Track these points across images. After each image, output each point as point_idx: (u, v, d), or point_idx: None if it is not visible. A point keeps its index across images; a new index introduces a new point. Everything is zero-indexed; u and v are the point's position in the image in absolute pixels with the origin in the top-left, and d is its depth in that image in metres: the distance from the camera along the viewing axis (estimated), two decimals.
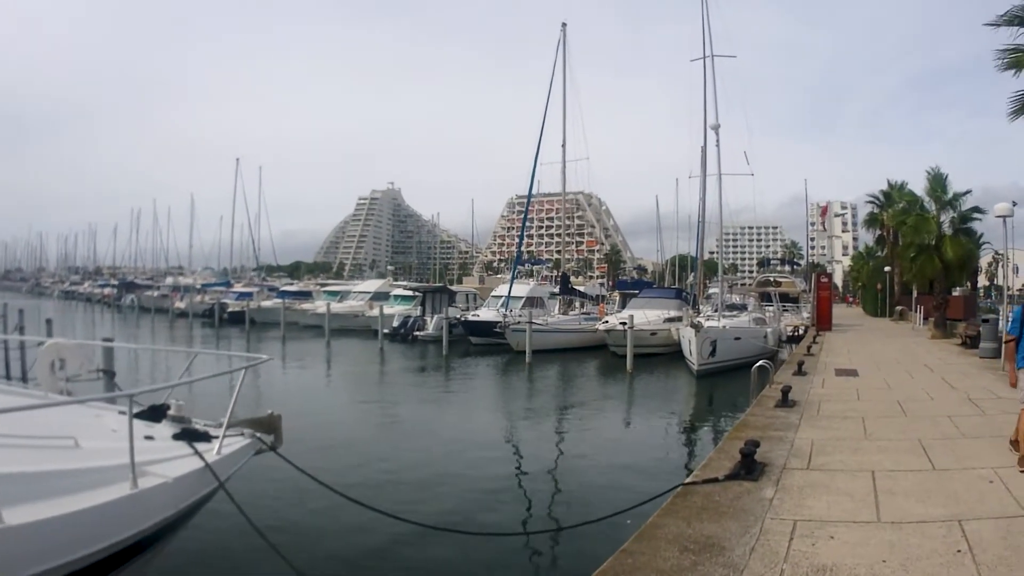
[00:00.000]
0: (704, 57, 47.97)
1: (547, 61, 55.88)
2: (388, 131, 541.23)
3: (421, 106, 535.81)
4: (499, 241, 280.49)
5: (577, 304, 60.96)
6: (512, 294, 55.62)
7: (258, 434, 10.44)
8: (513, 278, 60.33)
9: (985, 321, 30.50)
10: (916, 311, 54.41)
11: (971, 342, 33.18)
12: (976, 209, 41.80)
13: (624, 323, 41.96)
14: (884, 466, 11.26)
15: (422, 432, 24.20)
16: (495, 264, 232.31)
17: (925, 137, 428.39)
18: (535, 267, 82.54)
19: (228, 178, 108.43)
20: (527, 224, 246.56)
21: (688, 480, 10.56)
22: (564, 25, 57.99)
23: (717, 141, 47.11)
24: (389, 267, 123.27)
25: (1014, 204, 27.16)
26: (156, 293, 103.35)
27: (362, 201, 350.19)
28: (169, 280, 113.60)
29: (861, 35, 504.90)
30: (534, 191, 58.71)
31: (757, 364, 20.28)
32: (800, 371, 23.78)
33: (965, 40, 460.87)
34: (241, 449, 9.90)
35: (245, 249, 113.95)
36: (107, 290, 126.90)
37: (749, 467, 10.70)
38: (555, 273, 68.97)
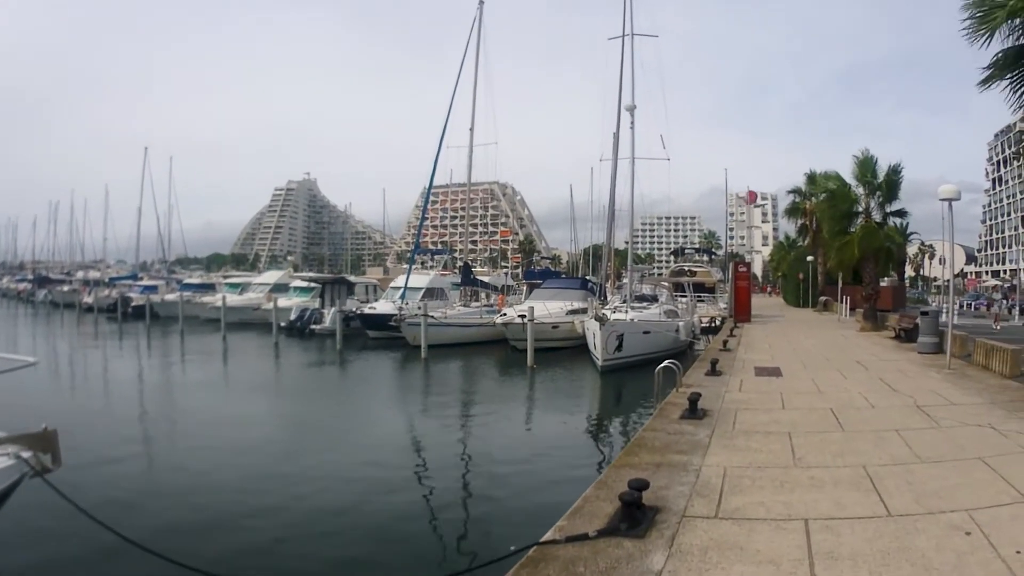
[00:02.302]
0: (624, 35, 46.12)
1: (464, 49, 52.99)
2: (306, 121, 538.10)
3: (339, 95, 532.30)
4: (413, 231, 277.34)
5: (483, 295, 58.68)
6: (411, 285, 53.69)
7: (24, 454, 8.76)
8: (410, 269, 58.27)
9: (925, 313, 27.74)
10: (842, 302, 52.31)
11: (906, 335, 30.71)
12: (894, 172, 39.17)
13: (523, 316, 39.48)
14: (821, 510, 8.15)
15: (283, 446, 21.05)
16: (408, 254, 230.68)
17: (849, 131, 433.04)
18: (436, 257, 79.67)
19: (151, 170, 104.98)
20: (441, 214, 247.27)
21: (545, 538, 7.32)
22: (481, 2, 55.48)
23: (632, 123, 45.04)
24: (288, 257, 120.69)
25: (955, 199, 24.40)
26: (68, 288, 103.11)
27: (278, 192, 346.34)
28: (80, 274, 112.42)
29: (786, 29, 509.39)
30: (448, 180, 56.81)
31: (662, 364, 16.96)
32: (714, 371, 20.64)
33: (891, 36, 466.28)
34: None
35: (162, 241, 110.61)
36: (22, 285, 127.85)
37: (633, 518, 7.52)
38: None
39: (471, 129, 54.59)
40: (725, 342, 30.14)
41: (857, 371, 21.60)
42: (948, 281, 37.78)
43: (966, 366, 22.28)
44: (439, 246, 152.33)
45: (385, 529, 13.56)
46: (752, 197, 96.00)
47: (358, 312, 52.43)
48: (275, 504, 14.90)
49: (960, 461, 10.26)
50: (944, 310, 33.98)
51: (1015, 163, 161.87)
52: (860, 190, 39.38)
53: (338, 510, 14.62)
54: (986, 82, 19.78)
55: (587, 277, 66.00)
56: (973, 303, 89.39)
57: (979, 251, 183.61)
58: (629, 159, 45.69)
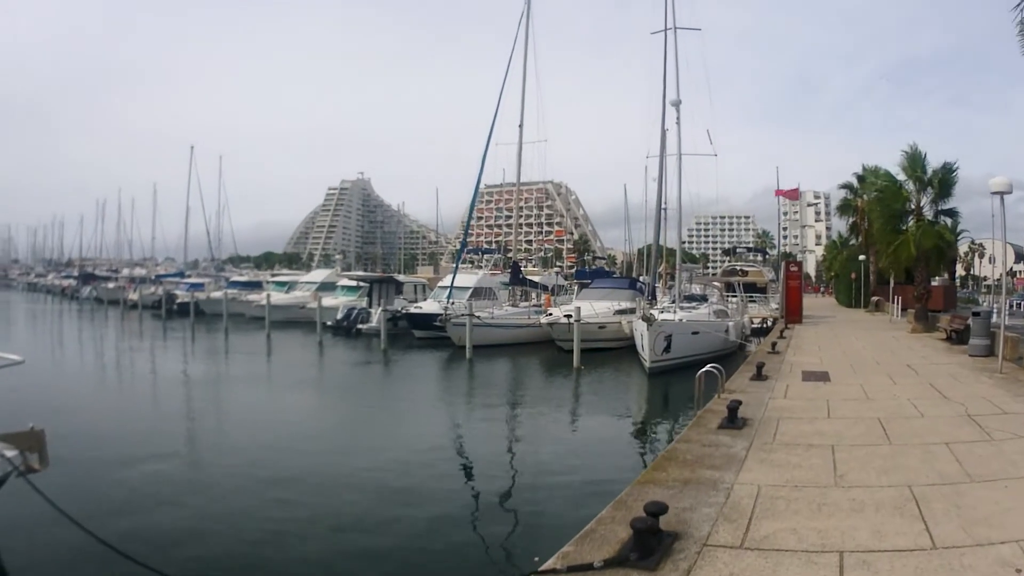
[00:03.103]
0: (666, 29, 45.57)
1: (512, 44, 52.13)
2: (361, 121, 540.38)
3: (397, 95, 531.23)
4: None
5: (533, 295, 58.21)
6: (460, 285, 52.97)
7: (9, 453, 8.80)
8: (456, 268, 58.00)
9: (976, 314, 26.66)
10: (893, 302, 51.11)
11: (957, 337, 29.62)
12: (948, 171, 37.99)
13: (569, 316, 39.03)
14: (859, 540, 7.35)
15: (308, 449, 20.33)
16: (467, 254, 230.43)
17: (899, 128, 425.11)
18: (486, 256, 79.04)
19: (202, 169, 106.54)
20: (496, 213, 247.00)
21: (545, 567, 6.66)
22: None
23: (677, 118, 44.71)
24: (336, 256, 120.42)
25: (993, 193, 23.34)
26: (113, 285, 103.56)
27: (331, 191, 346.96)
28: (125, 271, 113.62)
29: (836, 25, 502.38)
30: (502, 179, 56.30)
31: (703, 369, 16.22)
32: (759, 375, 19.88)
33: (940, 31, 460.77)
34: None
35: (211, 239, 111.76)
36: (68, 281, 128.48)
37: (646, 547, 6.78)
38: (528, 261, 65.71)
39: (520, 126, 53.88)
40: (774, 344, 29.42)
41: (907, 375, 20.75)
42: (999, 279, 36.56)
43: (1018, 370, 21.21)
44: (492, 245, 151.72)
45: (406, 535, 13.15)
46: (795, 194, 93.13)
47: (404, 312, 52.00)
48: (284, 506, 14.56)
49: (1013, 481, 9.49)
50: (995, 310, 32.76)
51: None
52: (911, 186, 38.35)
53: (354, 514, 14.26)
54: None
55: (640, 277, 65.03)
56: (1022, 303, 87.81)
57: None
58: (676, 155, 45.18)
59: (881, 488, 9.31)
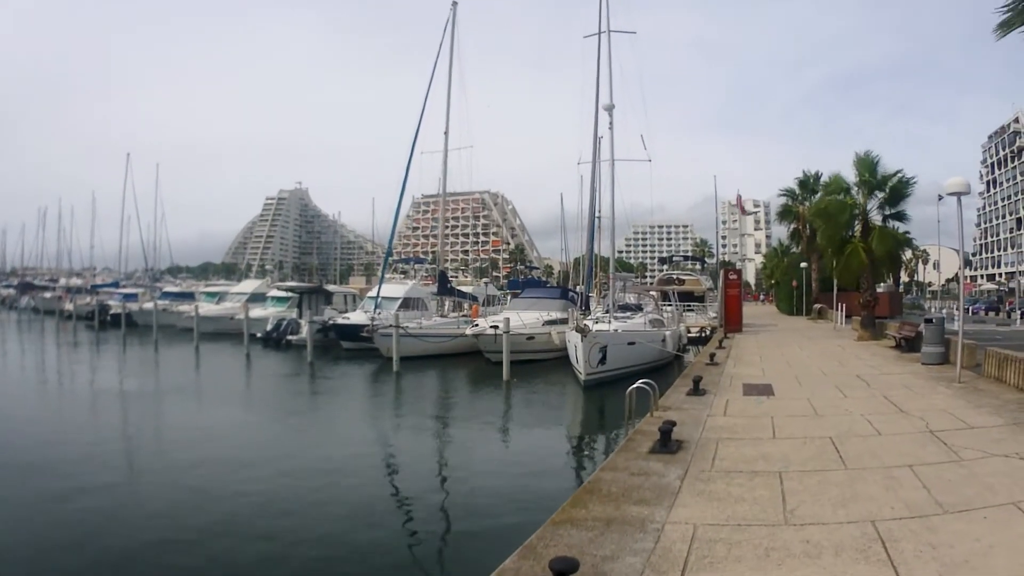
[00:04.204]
0: (599, 33, 44.58)
1: (437, 51, 51.21)
2: (301, 130, 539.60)
3: (332, 103, 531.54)
4: (404, 241, 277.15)
5: (464, 305, 57.38)
6: (389, 295, 51.80)
7: None
8: (382, 277, 56.61)
9: (929, 321, 25.68)
10: (838, 309, 50.79)
11: (907, 345, 28.89)
12: (903, 183, 37.30)
13: (495, 326, 38.00)
14: None
15: (220, 469, 18.62)
16: (395, 264, 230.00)
17: (841, 138, 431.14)
18: (416, 266, 78.36)
19: (141, 177, 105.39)
20: (432, 224, 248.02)
21: None
22: (455, 3, 53.39)
23: (611, 123, 44.54)
24: (266, 267, 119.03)
25: (940, 198, 22.36)
26: (50, 295, 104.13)
27: (269, 201, 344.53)
28: (63, 281, 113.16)
29: (778, 35, 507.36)
30: (438, 190, 55.62)
31: (634, 385, 14.83)
32: (696, 389, 18.41)
33: (883, 42, 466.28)
34: None
35: (146, 249, 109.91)
36: (6, 291, 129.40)
37: None
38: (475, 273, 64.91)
39: (446, 133, 53.25)
40: (712, 355, 28.10)
41: (858, 387, 19.52)
42: (946, 283, 35.91)
43: (976, 379, 20.20)
44: (428, 255, 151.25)
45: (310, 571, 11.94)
46: (739, 201, 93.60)
47: (332, 322, 50.79)
48: (186, 527, 13.35)
49: (991, 509, 8.22)
50: (947, 315, 31.93)
51: (1010, 164, 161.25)
52: (859, 196, 37.57)
53: (265, 534, 13.23)
54: (1006, 27, 17.36)
55: (576, 286, 64.25)
56: (971, 307, 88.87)
57: (973, 255, 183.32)
58: (610, 161, 44.45)
59: (840, 525, 7.90)
